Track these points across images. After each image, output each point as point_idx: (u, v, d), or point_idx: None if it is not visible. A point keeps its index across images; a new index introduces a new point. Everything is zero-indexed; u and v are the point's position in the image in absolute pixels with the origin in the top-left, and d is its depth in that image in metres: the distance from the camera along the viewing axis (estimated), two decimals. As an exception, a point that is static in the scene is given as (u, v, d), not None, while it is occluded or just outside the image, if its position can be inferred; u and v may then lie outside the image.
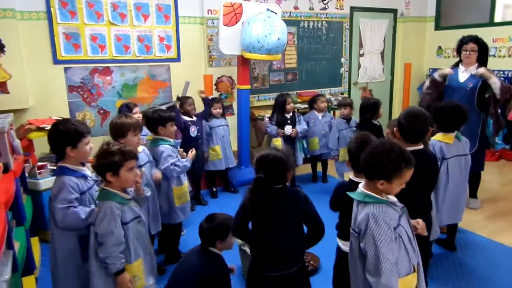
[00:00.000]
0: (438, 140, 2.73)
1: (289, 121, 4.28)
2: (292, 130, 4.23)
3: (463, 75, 3.65)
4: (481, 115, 3.60)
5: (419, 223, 1.73)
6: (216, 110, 4.16)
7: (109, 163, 1.89)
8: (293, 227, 1.88)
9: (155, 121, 2.86)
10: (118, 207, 1.90)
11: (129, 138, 2.42)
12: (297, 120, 4.35)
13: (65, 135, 1.99)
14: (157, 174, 2.68)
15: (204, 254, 2.05)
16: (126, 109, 3.50)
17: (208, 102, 4.13)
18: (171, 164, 2.76)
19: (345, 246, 1.96)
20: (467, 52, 3.58)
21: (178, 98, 3.96)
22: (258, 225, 1.89)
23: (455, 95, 3.59)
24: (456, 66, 3.75)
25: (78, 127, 2.02)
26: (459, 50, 3.69)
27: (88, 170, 2.12)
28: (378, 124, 3.85)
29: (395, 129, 2.25)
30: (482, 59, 3.61)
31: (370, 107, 3.77)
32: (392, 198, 1.62)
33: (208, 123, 4.13)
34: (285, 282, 1.86)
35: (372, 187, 1.60)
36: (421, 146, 2.19)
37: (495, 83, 3.42)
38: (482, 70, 3.49)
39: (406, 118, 2.20)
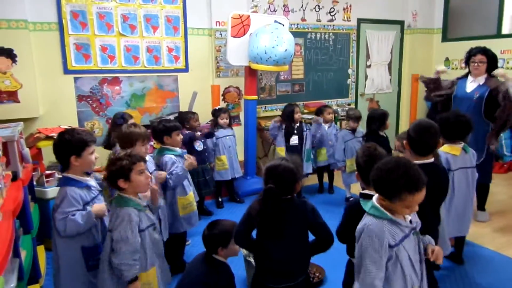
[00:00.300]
0: (445, 151, 2.71)
1: (295, 131, 4.28)
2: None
3: (470, 86, 3.65)
4: (489, 126, 3.57)
5: (435, 251, 1.63)
6: (223, 120, 4.18)
7: (118, 169, 1.91)
8: (299, 238, 1.87)
9: (160, 131, 2.89)
10: (136, 214, 1.92)
11: (137, 148, 2.44)
12: (304, 130, 4.34)
13: (69, 144, 2.02)
14: (162, 174, 2.71)
15: (208, 262, 2.04)
16: (122, 119, 3.49)
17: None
18: (168, 173, 2.77)
19: None
20: (476, 64, 3.58)
21: (179, 114, 3.97)
22: (264, 235, 1.88)
23: (462, 105, 3.58)
24: (465, 77, 3.75)
25: (83, 136, 2.05)
26: (467, 61, 3.69)
27: (92, 181, 2.14)
28: (385, 135, 3.84)
29: (404, 142, 2.24)
30: (491, 70, 3.59)
31: (378, 118, 3.76)
32: (400, 218, 1.55)
33: (214, 133, 4.15)
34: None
35: (382, 202, 1.58)
36: (431, 160, 2.17)
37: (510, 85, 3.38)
38: (501, 71, 3.47)
39: (416, 130, 2.19)
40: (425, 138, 2.15)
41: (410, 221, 1.59)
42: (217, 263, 2.03)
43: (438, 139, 2.22)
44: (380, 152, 1.90)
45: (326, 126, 4.50)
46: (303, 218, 1.85)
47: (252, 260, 2.48)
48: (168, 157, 2.83)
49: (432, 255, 1.61)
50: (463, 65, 3.79)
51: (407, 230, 1.55)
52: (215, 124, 4.20)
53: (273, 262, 1.84)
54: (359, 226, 1.59)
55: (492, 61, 3.59)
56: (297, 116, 4.29)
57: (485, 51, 3.58)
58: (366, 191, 1.89)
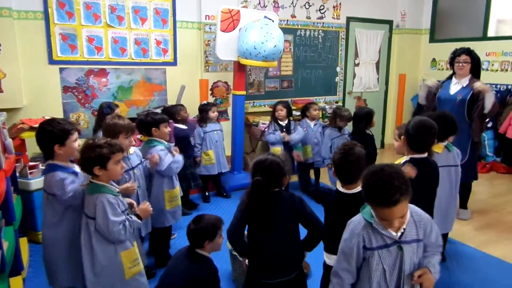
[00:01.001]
0: None
1: (284, 129, 4.28)
2: (285, 137, 4.22)
3: (454, 87, 3.70)
4: (471, 126, 3.64)
5: (423, 276, 1.50)
6: (214, 113, 4.17)
7: (96, 156, 1.89)
8: (290, 231, 1.88)
9: (148, 123, 2.87)
10: (113, 197, 1.93)
11: (120, 140, 2.41)
12: (292, 128, 4.32)
13: (51, 134, 2.01)
14: (155, 156, 2.69)
15: (193, 256, 2.02)
16: (109, 109, 3.51)
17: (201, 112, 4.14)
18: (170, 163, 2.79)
19: (330, 260, 1.95)
20: (460, 64, 3.63)
21: (166, 109, 3.92)
22: (254, 230, 1.89)
23: (445, 107, 3.63)
24: (449, 79, 3.80)
25: (64, 125, 2.05)
26: (452, 62, 3.74)
27: (77, 167, 2.12)
28: (371, 133, 3.87)
29: (402, 137, 2.29)
30: (475, 71, 3.66)
31: (364, 117, 3.79)
32: (384, 227, 1.48)
33: (202, 128, 4.13)
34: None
35: None
36: (425, 155, 2.24)
37: (491, 97, 3.45)
38: (480, 85, 3.49)
39: (416, 128, 2.23)
40: (424, 136, 2.21)
41: (402, 234, 1.49)
42: (201, 257, 2.02)
43: (435, 139, 2.28)
44: (356, 152, 1.90)
45: (312, 124, 4.49)
46: (292, 209, 1.86)
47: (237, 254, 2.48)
48: (161, 147, 2.82)
49: (417, 279, 1.49)
50: (448, 66, 3.84)
51: (389, 240, 1.49)
52: (203, 119, 4.17)
53: (266, 257, 1.85)
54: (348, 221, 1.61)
55: (476, 62, 3.65)
56: (277, 114, 4.29)
57: (469, 52, 3.64)
58: (343, 189, 1.92)
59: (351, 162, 1.87)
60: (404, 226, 1.50)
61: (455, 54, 3.70)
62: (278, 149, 4.23)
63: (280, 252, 1.84)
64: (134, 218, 2.03)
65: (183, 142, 3.70)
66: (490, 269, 2.97)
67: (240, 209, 1.87)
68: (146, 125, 2.89)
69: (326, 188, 2.04)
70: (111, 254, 1.96)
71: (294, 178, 4.77)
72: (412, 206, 1.53)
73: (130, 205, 2.17)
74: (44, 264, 2.13)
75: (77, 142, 2.10)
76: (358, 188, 1.83)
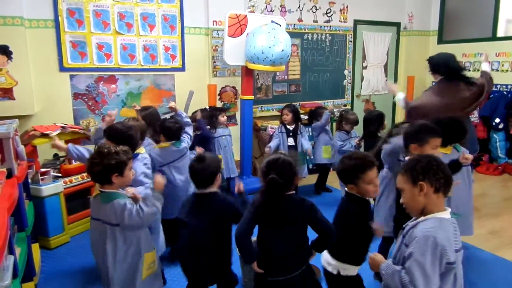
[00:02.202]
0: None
1: (291, 133, 4.27)
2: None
3: None
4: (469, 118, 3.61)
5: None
6: (224, 118, 4.19)
7: (116, 163, 1.89)
8: (298, 234, 1.89)
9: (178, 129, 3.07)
10: (130, 201, 1.95)
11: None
12: (299, 132, 4.30)
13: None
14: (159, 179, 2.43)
15: (208, 196, 2.07)
16: None
17: (202, 124, 4.00)
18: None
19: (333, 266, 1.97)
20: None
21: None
22: (264, 229, 1.92)
23: None
24: None
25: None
26: None
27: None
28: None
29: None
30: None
31: (375, 120, 3.78)
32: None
33: (211, 133, 4.13)
34: (289, 286, 1.89)
35: None
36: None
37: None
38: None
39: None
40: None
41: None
42: (214, 193, 2.10)
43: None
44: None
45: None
46: (301, 214, 1.86)
47: None
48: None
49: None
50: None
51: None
52: (212, 124, 4.15)
53: (270, 257, 1.88)
54: None
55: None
56: (283, 117, 4.29)
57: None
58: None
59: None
60: None
61: None
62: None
63: (285, 254, 1.87)
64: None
65: (206, 142, 3.79)
66: (505, 273, 2.92)
67: (251, 210, 1.88)
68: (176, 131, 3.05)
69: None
70: (135, 255, 1.99)
71: (304, 182, 4.75)
72: None
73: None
74: None
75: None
76: None
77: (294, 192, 1.90)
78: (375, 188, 1.93)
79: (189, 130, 3.21)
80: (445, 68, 3.42)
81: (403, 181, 1.55)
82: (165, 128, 3.04)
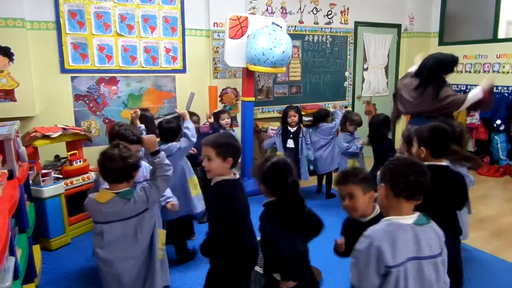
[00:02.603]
0: None
1: (291, 135, 4.26)
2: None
3: None
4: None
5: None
6: (224, 120, 4.12)
7: (136, 161, 2.03)
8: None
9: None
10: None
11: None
12: (301, 136, 4.27)
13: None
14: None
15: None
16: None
17: (215, 128, 4.00)
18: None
19: None
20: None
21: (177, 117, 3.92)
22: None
23: None
24: None
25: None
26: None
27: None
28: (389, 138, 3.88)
29: (422, 148, 2.15)
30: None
31: (382, 123, 3.75)
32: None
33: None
34: None
35: None
36: (443, 163, 2.13)
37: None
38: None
39: (432, 131, 2.15)
40: (443, 140, 2.13)
41: None
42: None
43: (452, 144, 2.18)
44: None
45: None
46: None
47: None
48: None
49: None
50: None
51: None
52: (216, 127, 4.12)
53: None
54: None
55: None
56: (289, 119, 4.25)
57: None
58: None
59: None
60: None
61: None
62: (280, 154, 4.22)
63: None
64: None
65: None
66: (506, 275, 2.92)
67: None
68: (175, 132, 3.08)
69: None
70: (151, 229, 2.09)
71: (305, 184, 4.74)
72: None
73: None
74: None
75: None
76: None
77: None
78: None
79: (184, 141, 3.06)
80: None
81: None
82: (160, 129, 3.08)
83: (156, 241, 2.09)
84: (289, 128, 4.29)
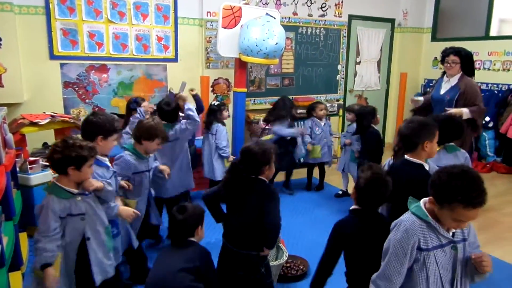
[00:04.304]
0: None
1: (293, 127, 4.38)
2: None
3: (444, 87, 3.69)
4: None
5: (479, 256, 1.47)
6: (227, 113, 4.07)
7: (78, 156, 1.86)
8: (253, 218, 2.04)
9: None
10: (56, 201, 1.88)
11: (154, 144, 2.60)
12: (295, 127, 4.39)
13: (99, 126, 2.18)
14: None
15: (187, 246, 1.95)
16: (135, 104, 3.54)
17: (199, 100, 4.03)
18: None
19: None
20: (448, 64, 3.61)
21: (170, 93, 3.91)
22: (228, 208, 2.18)
23: (437, 107, 3.68)
24: (442, 77, 3.81)
25: (114, 122, 2.16)
26: (443, 61, 3.72)
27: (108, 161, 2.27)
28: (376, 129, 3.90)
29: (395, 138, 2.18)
30: (467, 69, 3.62)
31: (369, 113, 3.82)
32: (441, 226, 1.46)
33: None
34: (247, 260, 2.09)
35: (430, 205, 1.49)
36: (421, 161, 2.06)
37: (466, 114, 3.43)
38: (452, 111, 3.41)
39: (409, 127, 2.09)
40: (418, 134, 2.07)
41: (453, 234, 1.49)
42: (194, 244, 1.99)
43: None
44: (388, 180, 1.81)
45: (322, 123, 4.45)
46: (258, 200, 2.03)
47: None
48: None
49: (476, 258, 1.47)
50: (440, 64, 3.84)
51: (444, 240, 1.47)
52: (216, 120, 3.99)
53: (228, 232, 2.17)
54: (395, 221, 1.54)
55: (465, 60, 3.59)
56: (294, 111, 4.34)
57: (458, 52, 3.59)
58: (355, 207, 1.85)
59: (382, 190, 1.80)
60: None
61: (445, 54, 3.67)
62: (268, 137, 4.31)
63: (239, 232, 2.09)
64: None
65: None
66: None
67: (220, 184, 2.19)
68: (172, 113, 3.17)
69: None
70: None
71: (295, 176, 4.76)
72: None
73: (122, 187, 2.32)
74: None
75: (114, 142, 2.30)
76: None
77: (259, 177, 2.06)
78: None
79: (191, 123, 3.16)
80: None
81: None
82: (158, 109, 3.21)
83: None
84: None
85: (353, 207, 1.86)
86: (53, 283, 1.80)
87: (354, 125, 4.07)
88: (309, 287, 1.92)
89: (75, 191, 1.94)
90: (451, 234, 1.48)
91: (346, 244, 1.81)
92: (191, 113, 3.11)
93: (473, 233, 1.57)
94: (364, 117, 3.82)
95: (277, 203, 2.04)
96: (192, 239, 2.00)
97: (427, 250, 1.45)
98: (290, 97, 5.44)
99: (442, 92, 3.68)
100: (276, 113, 4.26)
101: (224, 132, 3.90)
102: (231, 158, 3.96)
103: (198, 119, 3.16)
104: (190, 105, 3.20)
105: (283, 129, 4.17)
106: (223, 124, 3.98)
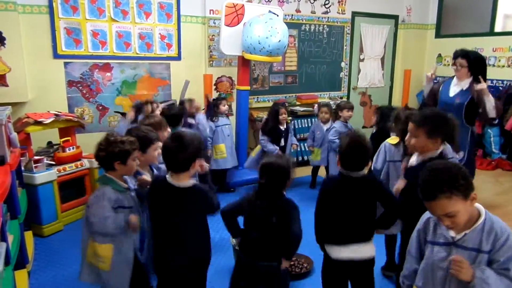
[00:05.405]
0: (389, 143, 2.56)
1: (283, 134, 4.18)
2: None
3: (453, 90, 3.57)
4: (469, 130, 3.54)
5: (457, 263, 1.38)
6: (225, 106, 4.13)
7: (121, 151, 1.95)
8: (275, 228, 1.96)
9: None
10: (112, 192, 1.95)
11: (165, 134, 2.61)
12: (290, 132, 4.28)
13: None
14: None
15: (186, 192, 1.89)
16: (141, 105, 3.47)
17: (211, 107, 4.12)
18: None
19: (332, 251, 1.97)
20: (456, 67, 3.52)
21: (181, 102, 3.91)
22: (247, 224, 2.05)
23: (443, 108, 3.59)
24: (452, 78, 3.72)
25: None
26: (454, 63, 3.61)
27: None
28: None
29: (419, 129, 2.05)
30: (476, 73, 3.46)
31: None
32: (442, 227, 1.46)
33: (214, 122, 4.12)
34: (268, 272, 2.01)
35: None
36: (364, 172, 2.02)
37: (490, 101, 3.34)
38: (481, 86, 3.35)
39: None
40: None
41: (462, 237, 1.42)
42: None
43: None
44: (363, 142, 1.95)
45: (324, 127, 4.29)
46: (285, 219, 1.94)
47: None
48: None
49: (452, 263, 1.39)
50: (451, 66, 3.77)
51: (442, 239, 1.47)
52: (214, 114, 4.13)
53: (246, 242, 2.05)
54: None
55: (473, 64, 3.47)
56: (281, 117, 4.11)
57: (466, 55, 3.47)
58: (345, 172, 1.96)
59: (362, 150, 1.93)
60: (468, 231, 1.40)
61: (453, 56, 3.59)
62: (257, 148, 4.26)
63: (260, 243, 1.98)
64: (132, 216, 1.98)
65: None
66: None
67: (243, 199, 2.02)
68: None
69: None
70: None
71: (301, 174, 4.74)
72: (490, 215, 1.43)
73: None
74: None
75: (157, 151, 2.22)
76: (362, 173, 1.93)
77: (283, 193, 1.98)
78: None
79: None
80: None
81: (454, 202, 1.34)
82: (164, 116, 3.11)
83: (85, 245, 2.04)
84: (280, 127, 4.15)
85: (339, 169, 1.99)
86: (135, 224, 1.94)
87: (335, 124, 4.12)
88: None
89: (125, 185, 2.04)
90: (458, 237, 1.42)
91: (329, 199, 1.97)
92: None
93: (507, 252, 1.36)
94: (388, 118, 3.65)
95: (299, 214, 1.99)
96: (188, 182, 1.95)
97: (429, 242, 1.51)
98: (293, 94, 5.48)
99: (451, 94, 3.56)
100: (263, 125, 4.25)
101: (204, 121, 3.80)
102: (209, 152, 4.05)
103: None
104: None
105: (267, 145, 4.10)
106: (223, 116, 4.13)
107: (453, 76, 3.67)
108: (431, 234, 1.50)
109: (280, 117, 4.13)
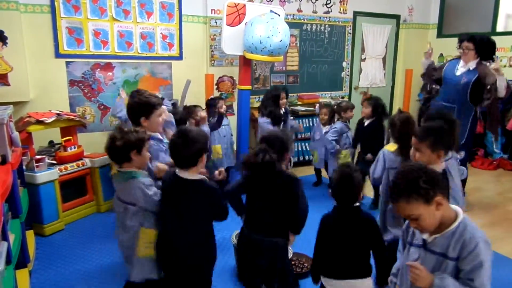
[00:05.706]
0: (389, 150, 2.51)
1: (283, 118, 4.25)
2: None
3: (460, 69, 3.73)
4: (472, 110, 3.65)
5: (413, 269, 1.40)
6: (223, 108, 4.12)
7: (137, 139, 1.96)
8: (280, 202, 2.03)
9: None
10: (147, 178, 2.00)
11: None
12: (288, 115, 4.37)
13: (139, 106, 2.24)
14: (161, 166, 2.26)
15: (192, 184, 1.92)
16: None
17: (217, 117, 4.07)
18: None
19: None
20: (463, 50, 3.69)
21: (185, 108, 3.92)
22: (251, 198, 2.12)
23: (448, 86, 3.73)
24: (458, 58, 3.83)
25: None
26: (460, 47, 3.78)
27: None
28: None
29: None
30: (484, 55, 3.65)
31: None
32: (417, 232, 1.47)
33: (211, 124, 4.11)
34: (269, 247, 2.07)
35: None
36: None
37: (503, 80, 3.49)
38: (495, 65, 3.52)
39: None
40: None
41: (431, 241, 1.42)
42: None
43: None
44: (353, 175, 1.87)
45: (324, 129, 4.26)
46: (284, 186, 2.02)
47: None
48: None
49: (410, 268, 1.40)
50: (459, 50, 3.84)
51: (415, 240, 1.48)
52: (212, 114, 4.13)
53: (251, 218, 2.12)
54: None
55: (481, 46, 3.62)
56: (282, 102, 4.19)
57: (472, 39, 3.64)
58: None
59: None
60: (438, 235, 1.39)
61: (459, 40, 3.76)
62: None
63: (266, 219, 2.05)
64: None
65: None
66: (497, 266, 2.94)
67: (243, 179, 2.11)
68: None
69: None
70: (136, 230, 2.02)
71: (304, 173, 4.75)
72: (468, 222, 1.40)
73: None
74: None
75: (161, 117, 2.32)
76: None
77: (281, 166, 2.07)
78: None
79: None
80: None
81: (414, 206, 1.33)
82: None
83: (136, 238, 2.02)
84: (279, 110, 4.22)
85: (335, 204, 1.97)
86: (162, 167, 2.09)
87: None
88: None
89: (146, 172, 2.07)
90: (430, 239, 1.41)
91: (327, 234, 1.93)
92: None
93: (473, 266, 1.38)
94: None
95: (302, 187, 2.07)
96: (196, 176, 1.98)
97: (407, 242, 1.55)
98: (295, 94, 5.47)
99: (458, 73, 3.71)
100: (261, 105, 4.33)
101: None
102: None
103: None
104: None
105: (269, 127, 4.07)
106: (222, 115, 4.10)
107: (459, 57, 3.76)
108: (410, 235, 1.53)
109: (281, 101, 4.22)
